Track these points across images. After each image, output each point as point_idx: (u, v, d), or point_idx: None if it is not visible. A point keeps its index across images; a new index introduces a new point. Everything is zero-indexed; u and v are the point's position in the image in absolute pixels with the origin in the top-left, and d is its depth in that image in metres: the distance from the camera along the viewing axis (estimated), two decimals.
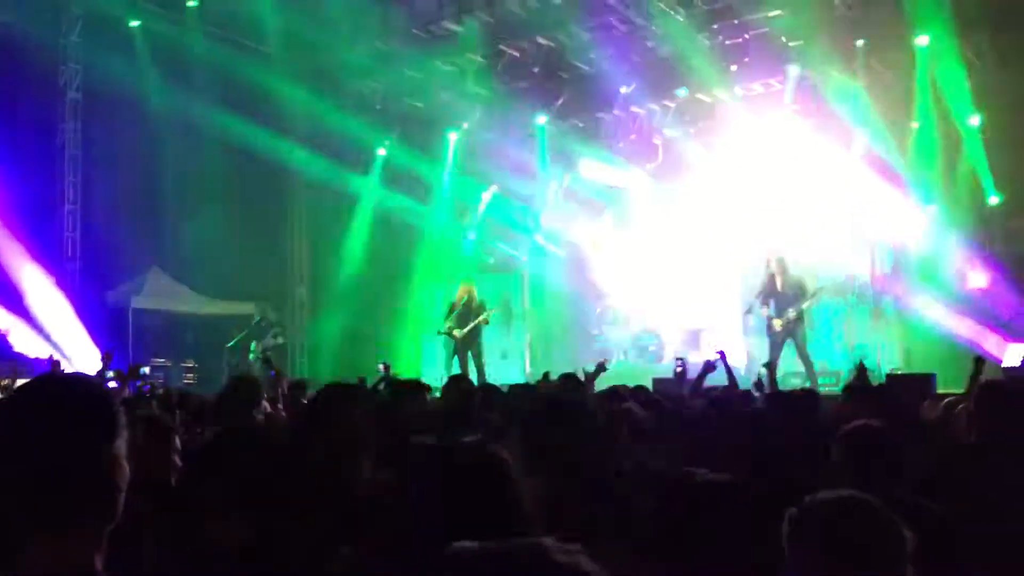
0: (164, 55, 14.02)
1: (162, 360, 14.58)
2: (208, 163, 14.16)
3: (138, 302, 14.45)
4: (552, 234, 16.68)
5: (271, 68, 14.82)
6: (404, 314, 16.24)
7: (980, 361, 6.54)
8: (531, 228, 16.79)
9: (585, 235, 16.60)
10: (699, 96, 14.67)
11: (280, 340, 14.90)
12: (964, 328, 11.80)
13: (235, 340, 14.76)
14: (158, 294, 14.81)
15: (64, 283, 13.64)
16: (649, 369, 12.95)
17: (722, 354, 6.88)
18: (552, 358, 15.07)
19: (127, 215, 13.66)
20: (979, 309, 11.93)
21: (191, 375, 14.94)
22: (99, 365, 7.38)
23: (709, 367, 6.72)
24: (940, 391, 7.55)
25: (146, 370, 9.05)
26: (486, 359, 13.13)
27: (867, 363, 12.28)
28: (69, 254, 14.12)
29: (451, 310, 13.28)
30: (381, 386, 7.23)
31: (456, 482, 1.96)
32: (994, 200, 12.55)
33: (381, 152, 16.54)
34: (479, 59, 14.61)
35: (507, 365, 15.44)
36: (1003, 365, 9.83)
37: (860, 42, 12.74)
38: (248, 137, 14.30)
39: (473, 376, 12.90)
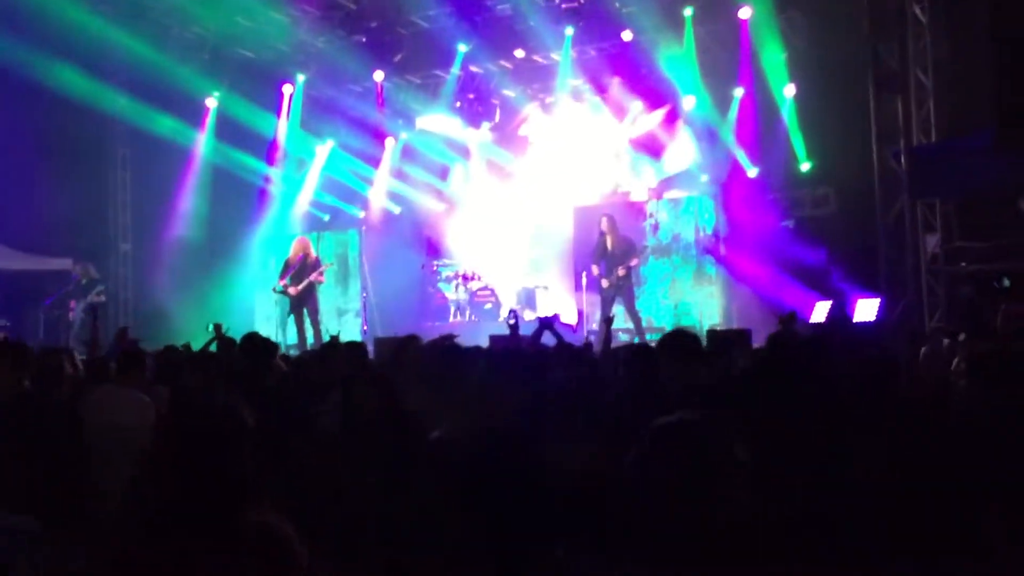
0: None
1: None
2: (18, 108, 13.14)
3: None
4: (390, 191, 16.60)
5: (87, 6, 13.86)
6: (238, 272, 15.75)
7: (791, 316, 7.06)
8: (368, 185, 16.64)
9: (423, 193, 16.62)
10: (536, 58, 14.87)
11: (102, 298, 14.19)
12: (778, 287, 12.60)
13: (53, 298, 13.95)
14: None
15: None
16: (486, 327, 13.25)
17: (554, 318, 6.83)
18: (389, 316, 15.08)
19: None
20: (792, 269, 12.75)
21: (1, 333, 13.97)
22: None
23: (545, 323, 6.82)
24: (756, 346, 8.09)
25: None
26: (322, 317, 13.00)
27: (689, 320, 13.07)
28: None
29: (286, 267, 13.05)
30: (212, 347, 7.12)
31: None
32: (805, 167, 13.41)
33: (211, 102, 15.85)
34: (314, 10, 14.19)
35: (344, 323, 15.32)
36: (810, 321, 10.58)
37: (688, 11, 13.24)
38: (63, 80, 13.33)
39: (309, 333, 12.77)
